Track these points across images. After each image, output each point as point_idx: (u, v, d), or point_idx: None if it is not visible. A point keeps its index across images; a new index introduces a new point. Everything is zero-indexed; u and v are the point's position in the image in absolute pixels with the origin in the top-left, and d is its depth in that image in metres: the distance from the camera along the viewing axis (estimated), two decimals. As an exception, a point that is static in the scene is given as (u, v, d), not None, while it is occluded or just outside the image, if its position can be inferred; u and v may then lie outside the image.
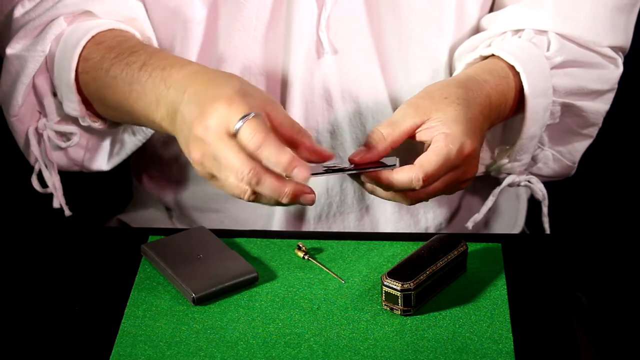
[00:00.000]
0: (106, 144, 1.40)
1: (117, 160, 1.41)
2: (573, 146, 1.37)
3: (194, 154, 1.14)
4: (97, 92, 1.30)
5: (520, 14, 1.33)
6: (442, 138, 1.16)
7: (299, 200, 1.11)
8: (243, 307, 1.16)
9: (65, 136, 1.36)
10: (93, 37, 1.29)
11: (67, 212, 1.38)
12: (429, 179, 1.15)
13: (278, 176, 1.11)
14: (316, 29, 1.33)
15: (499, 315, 1.14)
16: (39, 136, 1.35)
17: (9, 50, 1.31)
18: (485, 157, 1.36)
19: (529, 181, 1.36)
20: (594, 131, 1.37)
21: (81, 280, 1.20)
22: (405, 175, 1.15)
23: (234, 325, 1.13)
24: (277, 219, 1.43)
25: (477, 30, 1.38)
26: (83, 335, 1.13)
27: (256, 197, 1.12)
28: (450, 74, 1.38)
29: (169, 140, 1.44)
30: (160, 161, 1.49)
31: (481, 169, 1.37)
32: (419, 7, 1.32)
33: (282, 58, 1.35)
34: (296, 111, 1.36)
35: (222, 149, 1.11)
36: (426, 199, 1.18)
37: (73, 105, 1.32)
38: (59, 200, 1.37)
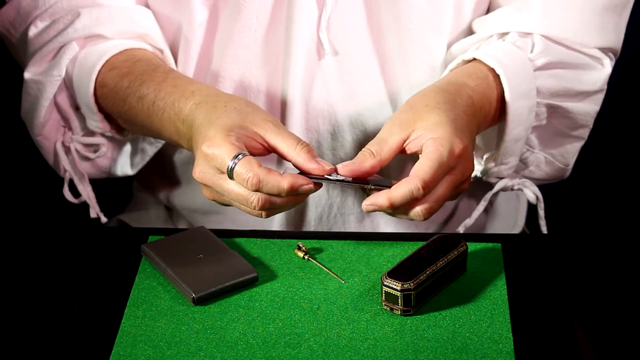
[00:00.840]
0: (130, 150, 1.43)
1: (141, 164, 1.44)
2: (565, 148, 1.37)
3: (204, 193, 1.20)
4: (119, 116, 1.34)
5: (508, 17, 1.33)
6: (431, 143, 1.16)
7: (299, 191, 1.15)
8: (243, 307, 1.16)
9: (93, 147, 1.39)
10: (107, 61, 1.32)
11: (104, 219, 1.40)
12: (428, 186, 1.14)
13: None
14: (316, 30, 1.33)
15: (499, 315, 1.14)
16: (67, 149, 1.39)
17: (27, 75, 1.36)
18: (475, 162, 1.36)
19: (522, 184, 1.36)
20: (584, 133, 1.37)
21: (81, 280, 1.20)
22: (404, 188, 1.14)
23: (234, 325, 1.13)
24: (277, 221, 1.43)
25: (470, 31, 1.38)
26: (83, 335, 1.13)
27: (272, 213, 1.17)
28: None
29: (171, 145, 1.45)
30: (161, 163, 1.49)
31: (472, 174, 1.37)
32: (418, 7, 1.32)
33: (283, 59, 1.35)
34: (297, 113, 1.36)
35: (223, 187, 1.16)
36: (437, 209, 1.17)
37: (96, 123, 1.36)
38: (94, 210, 1.40)
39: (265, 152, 1.19)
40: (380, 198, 1.14)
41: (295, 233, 1.36)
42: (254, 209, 1.16)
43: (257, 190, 1.14)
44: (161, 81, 1.28)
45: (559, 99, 1.31)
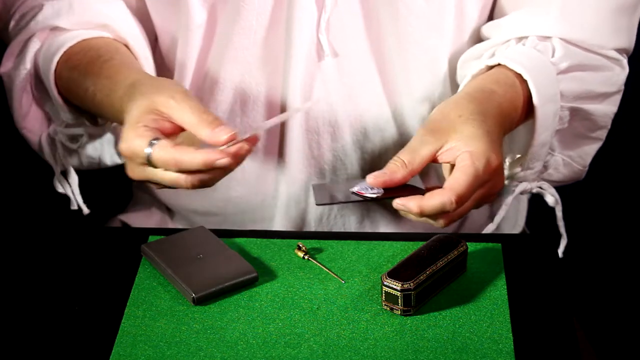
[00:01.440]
0: (113, 139, 1.43)
1: None
2: (583, 150, 1.36)
3: (152, 186, 1.20)
4: (81, 106, 1.34)
5: (524, 21, 1.32)
6: (467, 157, 1.15)
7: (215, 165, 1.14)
8: (243, 307, 1.16)
9: (75, 138, 1.39)
10: (64, 52, 1.32)
11: (86, 211, 1.40)
12: (461, 200, 1.14)
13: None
14: (316, 31, 1.33)
15: (499, 315, 1.14)
16: (52, 141, 1.39)
17: (1, 69, 1.36)
18: None
19: (540, 187, 1.35)
20: (603, 134, 1.36)
21: (81, 280, 1.20)
22: (437, 199, 1.13)
23: (234, 325, 1.13)
24: (277, 222, 1.43)
25: (477, 34, 1.37)
26: (83, 335, 1.13)
27: (208, 184, 1.17)
28: (451, 78, 1.38)
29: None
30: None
31: None
32: (417, 9, 1.32)
33: (283, 61, 1.35)
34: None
35: (157, 177, 1.17)
36: (460, 217, 1.17)
37: (65, 114, 1.35)
38: (76, 202, 1.40)
39: (178, 130, 1.18)
40: (412, 203, 1.14)
41: (295, 233, 1.36)
42: (189, 188, 1.16)
43: (179, 171, 1.14)
44: (98, 73, 1.28)
45: (581, 101, 1.31)
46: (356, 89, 1.37)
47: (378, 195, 1.17)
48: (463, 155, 1.16)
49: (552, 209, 1.36)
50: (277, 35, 1.33)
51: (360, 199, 1.17)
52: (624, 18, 1.32)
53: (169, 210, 1.53)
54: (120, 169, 1.48)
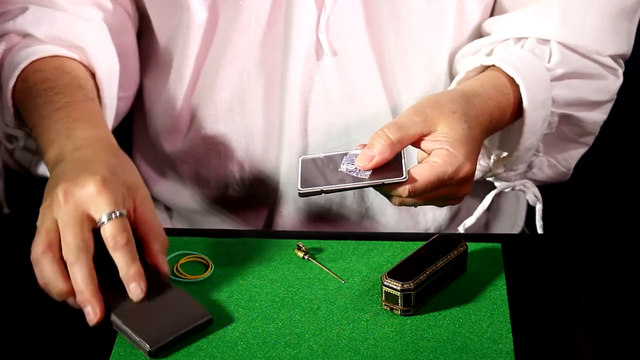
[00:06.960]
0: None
1: None
2: (569, 153, 1.36)
3: (46, 204, 1.13)
4: (21, 111, 1.29)
5: (525, 21, 1.31)
6: (443, 155, 1.15)
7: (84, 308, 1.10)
8: (243, 307, 1.16)
9: (13, 139, 1.34)
10: (34, 62, 1.27)
11: (6, 210, 1.37)
12: (415, 192, 1.14)
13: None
14: (315, 30, 1.33)
15: (499, 315, 1.14)
16: None
17: None
18: (482, 163, 1.35)
19: (523, 185, 1.35)
20: (590, 140, 1.36)
21: (81, 281, 1.20)
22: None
23: (234, 325, 1.13)
24: (276, 223, 1.43)
25: (477, 33, 1.37)
26: (83, 335, 1.12)
27: None
28: (451, 77, 1.38)
29: (169, 145, 1.45)
30: (161, 164, 1.49)
31: (478, 175, 1.36)
32: (417, 9, 1.32)
33: (282, 60, 1.35)
34: (295, 113, 1.36)
35: (71, 233, 1.10)
36: (414, 206, 1.18)
37: (8, 117, 1.30)
38: None
39: None
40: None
41: (295, 233, 1.36)
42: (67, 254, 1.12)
43: (117, 249, 1.10)
44: (76, 101, 1.23)
45: (572, 108, 1.31)
46: (356, 88, 1.37)
47: (365, 179, 1.15)
48: (440, 151, 1.15)
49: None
50: (276, 35, 1.33)
51: (348, 186, 1.15)
52: (624, 22, 1.32)
53: (168, 210, 1.52)
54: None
